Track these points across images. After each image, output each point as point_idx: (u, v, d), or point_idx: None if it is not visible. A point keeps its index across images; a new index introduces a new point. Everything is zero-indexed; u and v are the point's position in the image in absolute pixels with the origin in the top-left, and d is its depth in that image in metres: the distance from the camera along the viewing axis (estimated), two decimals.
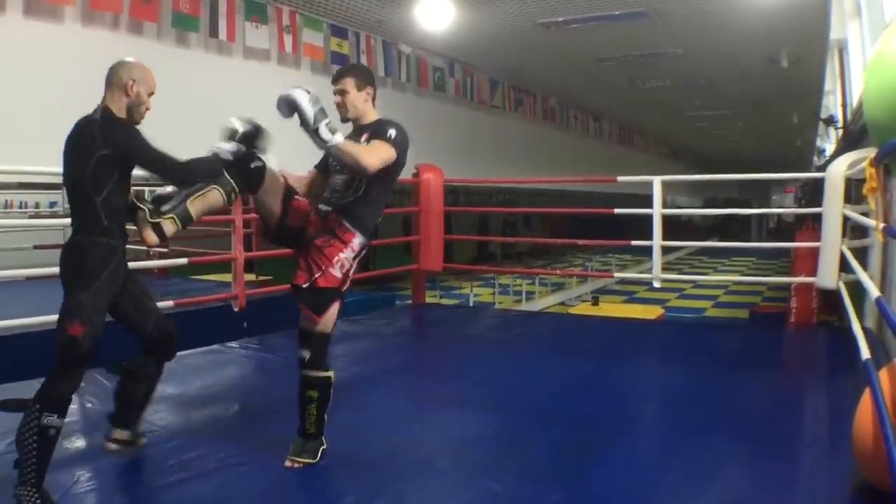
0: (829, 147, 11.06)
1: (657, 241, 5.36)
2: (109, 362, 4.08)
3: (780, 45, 9.29)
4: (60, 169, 2.45)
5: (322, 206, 2.71)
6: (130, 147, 2.41)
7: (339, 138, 2.46)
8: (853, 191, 4.76)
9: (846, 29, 6.62)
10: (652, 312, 9.33)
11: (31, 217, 8.39)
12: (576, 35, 8.86)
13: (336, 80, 2.70)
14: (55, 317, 2.33)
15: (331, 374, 2.73)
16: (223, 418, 3.26)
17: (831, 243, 4.59)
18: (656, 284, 5.71)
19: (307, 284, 2.60)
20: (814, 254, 4.88)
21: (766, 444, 2.85)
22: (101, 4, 5.65)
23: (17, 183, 7.47)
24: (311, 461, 2.66)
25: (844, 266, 4.45)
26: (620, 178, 6.20)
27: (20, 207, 8.66)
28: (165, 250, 8.20)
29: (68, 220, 2.55)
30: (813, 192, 6.36)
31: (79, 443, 2.93)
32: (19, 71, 5.19)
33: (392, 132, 2.64)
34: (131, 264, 2.69)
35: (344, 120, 2.73)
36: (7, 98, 5.08)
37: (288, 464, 2.64)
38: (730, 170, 22.92)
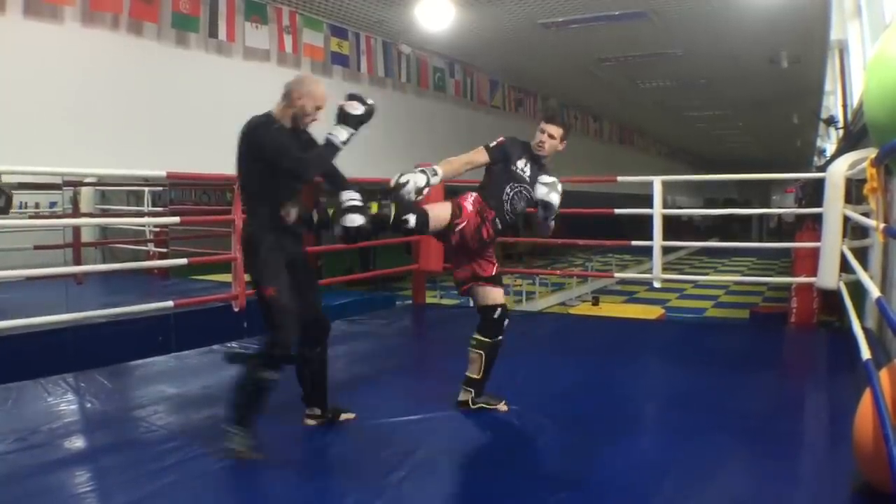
0: (830, 147, 11.05)
1: (657, 241, 5.36)
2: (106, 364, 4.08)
3: (781, 45, 9.27)
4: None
5: (500, 225, 3.25)
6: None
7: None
8: (854, 191, 4.76)
9: (846, 29, 6.61)
10: (652, 313, 9.32)
11: (31, 217, 8.38)
12: (576, 35, 8.85)
13: (551, 122, 3.32)
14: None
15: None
16: (223, 418, 3.25)
17: (832, 243, 4.59)
18: (656, 284, 5.71)
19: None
20: (814, 254, 4.88)
21: (766, 445, 2.85)
22: (101, 4, 5.64)
23: (17, 183, 7.46)
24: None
25: (845, 266, 4.45)
26: (620, 178, 6.19)
27: (20, 207, 8.65)
28: (165, 250, 8.22)
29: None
30: (813, 193, 6.36)
31: (79, 443, 2.93)
32: (19, 71, 5.18)
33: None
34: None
35: (537, 153, 3.31)
36: (7, 98, 5.07)
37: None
38: (730, 170, 22.95)
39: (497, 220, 3.21)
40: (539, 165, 3.33)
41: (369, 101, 2.73)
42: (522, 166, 3.26)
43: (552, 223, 3.36)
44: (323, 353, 3.02)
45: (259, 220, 2.77)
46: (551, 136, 3.29)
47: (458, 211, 3.14)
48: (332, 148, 2.68)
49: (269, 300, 2.68)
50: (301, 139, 2.79)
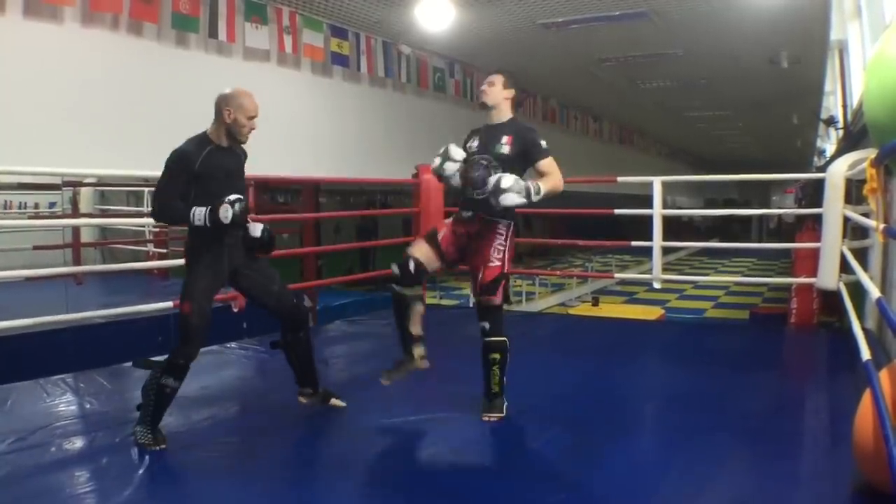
0: (830, 147, 11.05)
1: (657, 241, 5.35)
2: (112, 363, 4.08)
3: (781, 45, 9.28)
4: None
5: (464, 213, 3.21)
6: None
7: (542, 190, 3.06)
8: (853, 191, 4.75)
9: (846, 29, 6.61)
10: (652, 313, 9.34)
11: (30, 217, 8.38)
12: (576, 35, 8.86)
13: (491, 74, 3.32)
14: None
15: (506, 338, 3.21)
16: (223, 419, 3.25)
17: (832, 244, 4.59)
18: (656, 285, 5.70)
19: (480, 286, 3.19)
20: (814, 254, 4.87)
21: (766, 445, 2.85)
22: (101, 5, 5.64)
23: (17, 183, 7.46)
24: (501, 415, 3.14)
25: (845, 267, 4.45)
26: (620, 179, 6.19)
27: (20, 207, 8.66)
28: (165, 251, 8.22)
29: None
30: (813, 193, 6.36)
31: (79, 442, 2.93)
32: (19, 71, 5.19)
33: (543, 143, 3.23)
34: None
35: (482, 104, 3.32)
36: (7, 98, 5.08)
37: (485, 418, 3.11)
38: (730, 170, 22.93)
39: (462, 211, 3.23)
40: (500, 130, 3.25)
41: (234, 215, 2.74)
42: (470, 144, 3.31)
43: (530, 197, 3.03)
44: (306, 335, 3.16)
45: (196, 236, 2.88)
46: (491, 84, 3.30)
47: (433, 231, 3.31)
48: (187, 219, 2.79)
49: (182, 315, 2.85)
50: (235, 153, 2.96)
